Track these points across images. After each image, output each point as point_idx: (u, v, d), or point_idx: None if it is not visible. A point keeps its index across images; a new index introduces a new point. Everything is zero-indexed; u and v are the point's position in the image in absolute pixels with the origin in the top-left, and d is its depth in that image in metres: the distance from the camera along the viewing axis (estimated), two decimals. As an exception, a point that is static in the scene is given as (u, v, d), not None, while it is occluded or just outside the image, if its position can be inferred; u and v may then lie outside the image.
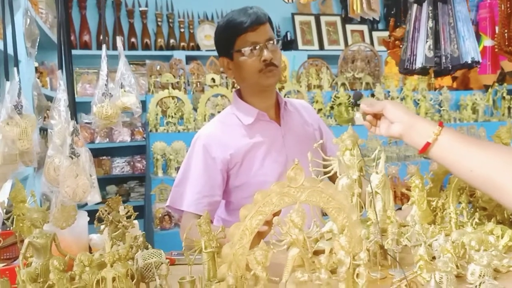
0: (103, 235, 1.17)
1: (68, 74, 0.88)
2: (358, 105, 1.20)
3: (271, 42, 1.56)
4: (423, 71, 1.21)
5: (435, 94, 4.28)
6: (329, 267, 0.87)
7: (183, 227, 1.55)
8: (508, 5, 1.44)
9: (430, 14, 1.12)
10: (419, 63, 1.20)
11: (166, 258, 1.10)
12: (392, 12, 1.39)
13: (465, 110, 4.27)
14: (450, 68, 1.20)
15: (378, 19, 1.39)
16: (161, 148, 3.38)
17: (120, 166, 4.54)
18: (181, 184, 1.60)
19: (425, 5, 1.15)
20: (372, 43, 5.02)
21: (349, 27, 5.17)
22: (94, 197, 0.89)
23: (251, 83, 1.60)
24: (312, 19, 5.07)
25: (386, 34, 5.34)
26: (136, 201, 4.39)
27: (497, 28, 1.52)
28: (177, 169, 3.35)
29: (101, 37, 4.44)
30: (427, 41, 1.13)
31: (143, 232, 1.15)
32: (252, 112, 1.61)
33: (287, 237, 0.86)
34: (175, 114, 3.61)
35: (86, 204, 0.93)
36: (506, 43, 1.46)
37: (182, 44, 4.72)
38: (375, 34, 5.28)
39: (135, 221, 1.22)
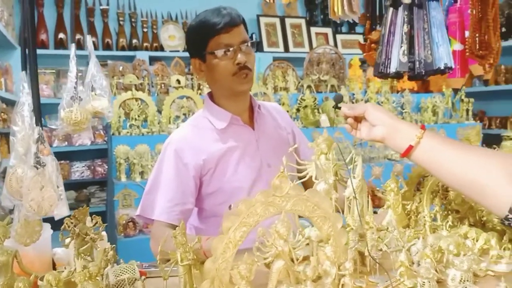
0: (68, 249, 1.10)
1: (33, 76, 0.80)
2: (339, 108, 1.18)
3: (245, 44, 1.52)
4: (397, 75, 1.21)
5: (398, 96, 4.36)
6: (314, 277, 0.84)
7: (155, 237, 1.48)
8: (479, 10, 1.46)
9: (406, 19, 1.11)
10: (393, 67, 1.19)
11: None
12: (367, 15, 1.39)
13: (425, 112, 4.38)
14: (423, 74, 1.20)
15: (357, 21, 1.38)
16: (124, 151, 3.26)
17: (79, 170, 4.37)
18: (151, 191, 1.53)
19: (400, 9, 1.14)
20: (336, 45, 5.08)
21: (313, 30, 5.21)
22: (61, 210, 0.81)
23: (224, 86, 1.55)
24: (277, 21, 5.07)
25: (349, 37, 5.44)
26: (97, 207, 4.24)
27: (466, 33, 1.54)
28: (141, 173, 3.26)
29: (59, 35, 4.27)
30: (401, 46, 1.12)
31: (113, 245, 1.08)
32: (225, 116, 1.56)
33: (272, 249, 0.82)
34: (138, 116, 3.49)
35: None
36: (477, 47, 1.48)
37: (145, 44, 4.60)
38: (339, 37, 5.34)
39: (104, 233, 1.15)
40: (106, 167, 4.28)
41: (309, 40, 5.12)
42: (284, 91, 3.99)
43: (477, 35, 1.49)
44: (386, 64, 1.16)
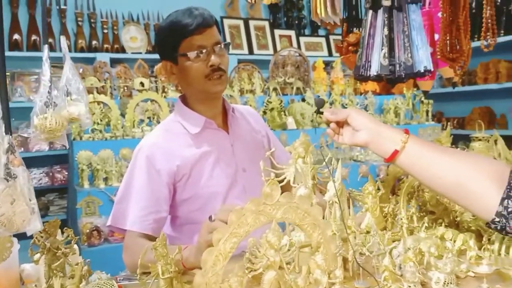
0: (38, 265, 1.02)
1: (2, 81, 0.73)
2: (321, 113, 1.16)
3: (219, 46, 1.48)
4: (378, 78, 1.20)
5: (361, 98, 4.44)
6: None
7: (128, 248, 1.41)
8: (449, 13, 1.49)
9: (386, 22, 1.11)
10: (374, 70, 1.19)
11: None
12: (344, 17, 1.38)
13: (388, 113, 4.48)
14: (403, 76, 1.20)
15: (338, 23, 1.37)
16: (86, 157, 3.13)
17: (37, 177, 4.16)
18: (123, 200, 1.46)
19: (380, 12, 1.14)
20: (299, 48, 5.10)
21: (277, 32, 5.22)
22: (34, 225, 0.75)
23: (197, 89, 1.50)
24: (241, 23, 5.05)
25: (312, 39, 5.49)
26: (56, 215, 4.05)
27: (436, 36, 1.57)
28: (105, 179, 3.14)
29: (13, 36, 4.05)
30: (382, 49, 1.12)
31: (88, 259, 1.02)
32: (199, 120, 1.52)
33: (263, 259, 0.79)
34: (101, 120, 3.37)
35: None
36: (448, 50, 1.51)
37: (105, 46, 4.45)
38: (302, 39, 5.38)
39: (76, 246, 1.08)
40: (66, 173, 4.11)
41: (273, 42, 5.13)
42: (250, 93, 3.97)
43: (447, 38, 1.52)
44: (366, 66, 1.15)
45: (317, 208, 0.85)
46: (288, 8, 5.42)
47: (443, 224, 1.38)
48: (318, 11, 1.08)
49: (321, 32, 5.65)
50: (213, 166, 1.49)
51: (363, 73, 1.18)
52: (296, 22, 5.44)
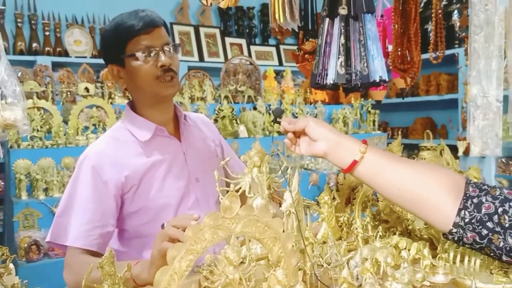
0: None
1: None
2: (279, 122, 1.12)
3: (168, 46, 1.42)
4: (334, 87, 1.19)
5: (311, 107, 4.49)
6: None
7: (70, 266, 1.30)
8: (400, 25, 1.52)
9: (342, 30, 1.10)
10: (330, 79, 1.18)
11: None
12: (300, 25, 1.37)
13: (337, 123, 4.56)
14: (359, 86, 1.20)
15: (296, 30, 1.35)
16: (24, 166, 2.94)
17: (-31, 188, 3.86)
18: (64, 214, 1.35)
19: (337, 20, 1.13)
20: (250, 56, 5.10)
21: (228, 40, 5.19)
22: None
23: (147, 92, 1.42)
24: (191, 29, 4.98)
25: (263, 48, 5.51)
26: (-9, 228, 3.77)
27: (389, 47, 1.59)
28: (46, 190, 2.95)
29: None
30: (339, 58, 1.11)
31: (26, 280, 0.92)
32: (149, 127, 1.44)
33: (222, 277, 0.74)
34: (41, 127, 3.17)
35: None
36: (400, 61, 1.53)
37: (47, 48, 4.22)
38: (253, 48, 5.39)
39: (12, 266, 0.97)
40: (2, 183, 3.83)
41: (224, 50, 5.09)
42: (201, 101, 3.90)
43: (399, 49, 1.55)
44: (323, 75, 1.14)
45: (278, 221, 0.82)
46: (238, 16, 5.42)
47: (397, 233, 1.39)
48: (277, 17, 1.05)
49: (272, 41, 5.69)
50: (164, 176, 1.41)
51: (319, 81, 1.16)
52: (247, 30, 5.44)
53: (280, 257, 0.81)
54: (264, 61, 5.33)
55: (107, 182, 1.35)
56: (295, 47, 5.81)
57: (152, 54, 1.37)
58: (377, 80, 1.14)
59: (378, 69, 1.15)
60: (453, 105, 4.56)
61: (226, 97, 4.04)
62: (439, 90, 4.76)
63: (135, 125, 1.45)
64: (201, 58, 4.89)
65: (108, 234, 1.36)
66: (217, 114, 3.81)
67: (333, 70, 1.10)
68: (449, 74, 4.67)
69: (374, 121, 4.72)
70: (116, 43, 1.41)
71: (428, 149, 1.73)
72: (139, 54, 1.37)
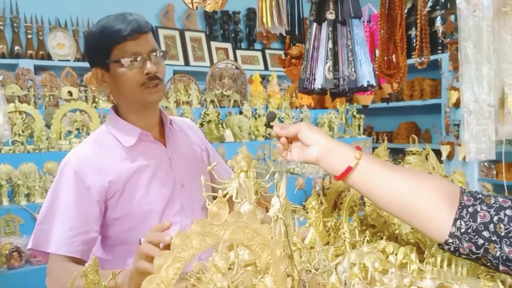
0: None
1: None
2: (271, 126, 1.11)
3: (155, 53, 1.40)
4: (322, 92, 1.19)
5: (297, 112, 4.50)
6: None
7: (52, 274, 1.27)
8: (386, 30, 1.53)
9: (330, 35, 1.10)
10: (318, 83, 1.17)
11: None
12: (287, 29, 1.38)
13: (322, 127, 4.57)
14: (347, 91, 1.20)
15: (284, 34, 1.35)
16: (6, 171, 2.88)
17: None
18: (46, 220, 1.31)
19: (324, 25, 1.13)
20: (236, 61, 5.09)
21: (213, 44, 5.18)
22: None
23: (132, 98, 1.40)
24: (176, 33, 4.95)
25: (248, 53, 5.51)
26: (-30, 235, 3.68)
27: (377, 52, 1.60)
28: (28, 195, 2.90)
29: None
30: (327, 62, 1.10)
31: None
32: (134, 132, 1.42)
33: (209, 285, 0.72)
34: (23, 131, 3.12)
35: None
36: (386, 66, 1.54)
37: (29, 52, 4.14)
38: (239, 52, 5.38)
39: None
40: (-18, 189, 3.75)
41: (209, 55, 5.07)
42: (187, 105, 3.87)
43: (385, 54, 1.56)
44: (310, 80, 1.13)
45: (266, 227, 0.80)
46: (224, 21, 5.41)
47: (384, 238, 1.39)
48: (264, 21, 1.04)
49: (257, 46, 5.69)
50: (149, 182, 1.39)
51: (307, 86, 1.15)
52: (233, 35, 5.44)
53: (269, 263, 0.80)
54: (250, 65, 5.32)
55: (90, 187, 1.32)
56: (281, 52, 5.82)
57: (138, 61, 1.35)
58: (365, 85, 1.14)
59: (366, 74, 1.15)
60: (437, 110, 4.61)
61: (212, 101, 4.02)
62: (423, 95, 4.81)
63: (119, 129, 1.43)
64: (187, 62, 4.86)
65: (92, 241, 1.34)
66: (203, 118, 3.79)
67: (321, 74, 1.10)
68: (432, 79, 4.73)
69: (359, 125, 4.75)
70: (101, 47, 1.38)
71: (414, 154, 1.73)
72: (124, 61, 1.34)
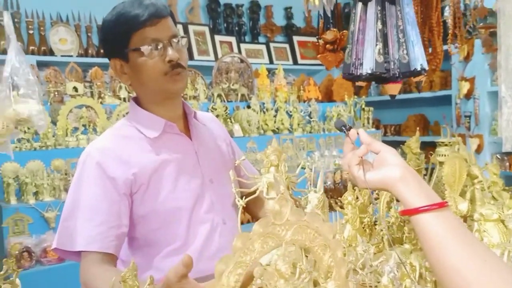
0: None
1: None
2: (343, 131, 0.99)
3: (176, 39, 1.31)
4: (369, 78, 1.09)
5: (305, 105, 4.41)
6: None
7: (86, 274, 1.18)
8: (421, 13, 1.44)
9: (379, 15, 1.01)
10: (367, 68, 1.08)
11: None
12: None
13: (331, 120, 4.49)
14: (397, 75, 1.10)
15: (328, 14, 1.26)
16: (13, 170, 2.79)
17: (-49, 193, 3.68)
18: (70, 217, 1.22)
19: (371, 4, 1.03)
20: (240, 54, 5.00)
21: (217, 38, 5.08)
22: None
23: (154, 89, 1.31)
24: (180, 27, 4.84)
25: (253, 46, 5.41)
26: (-25, 235, 3.59)
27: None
28: (36, 194, 2.81)
29: None
30: (376, 45, 1.01)
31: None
32: (158, 123, 1.33)
33: (273, 292, 0.64)
34: (28, 128, 3.02)
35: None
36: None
37: (31, 47, 4.05)
38: (243, 46, 5.28)
39: (18, 281, 0.87)
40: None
41: (213, 48, 4.98)
42: (194, 100, 3.78)
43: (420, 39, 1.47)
44: (356, 65, 1.04)
45: (328, 226, 0.72)
46: (227, 14, 5.31)
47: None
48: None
49: (261, 39, 5.60)
50: (176, 176, 1.31)
51: (353, 72, 1.06)
52: (236, 28, 5.34)
53: (331, 267, 0.72)
54: (255, 59, 5.22)
55: (115, 179, 1.24)
56: (285, 45, 5.72)
57: (158, 48, 1.27)
58: (418, 69, 1.04)
59: (419, 56, 1.05)
60: (447, 102, 4.53)
61: (219, 95, 3.94)
62: (432, 87, 4.72)
63: (142, 121, 1.35)
64: (191, 56, 4.77)
65: (123, 236, 1.26)
66: (210, 112, 3.70)
67: (371, 58, 1.01)
68: (442, 70, 4.64)
69: (368, 118, 4.67)
70: (118, 36, 1.30)
71: (446, 145, 1.66)
72: (144, 48, 1.26)
